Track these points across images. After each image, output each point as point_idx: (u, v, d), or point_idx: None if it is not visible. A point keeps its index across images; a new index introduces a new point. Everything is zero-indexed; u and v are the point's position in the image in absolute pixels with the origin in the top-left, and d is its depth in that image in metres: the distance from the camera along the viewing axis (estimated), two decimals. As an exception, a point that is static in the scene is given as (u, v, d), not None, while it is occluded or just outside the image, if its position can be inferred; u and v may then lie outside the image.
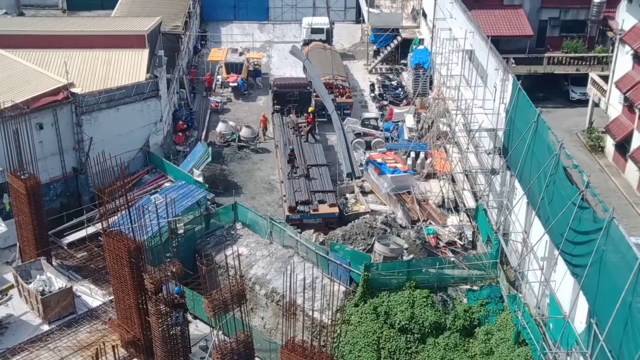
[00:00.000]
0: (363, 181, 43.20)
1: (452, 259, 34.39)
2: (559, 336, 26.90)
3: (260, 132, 49.71)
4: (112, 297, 31.44)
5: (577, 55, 53.75)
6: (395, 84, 56.98)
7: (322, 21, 64.12)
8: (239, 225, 38.77)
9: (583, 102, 51.72)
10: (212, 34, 68.23)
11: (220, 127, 49.59)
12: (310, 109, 48.16)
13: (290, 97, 50.38)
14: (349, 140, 44.86)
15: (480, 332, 31.66)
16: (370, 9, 63.16)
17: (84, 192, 40.87)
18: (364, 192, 42.60)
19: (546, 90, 53.07)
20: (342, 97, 52.17)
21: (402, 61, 60.53)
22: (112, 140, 40.62)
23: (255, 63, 59.51)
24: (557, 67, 53.57)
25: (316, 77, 50.06)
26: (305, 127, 47.09)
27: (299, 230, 37.32)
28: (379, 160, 43.54)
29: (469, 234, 37.86)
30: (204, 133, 50.12)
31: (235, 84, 56.40)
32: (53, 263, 34.63)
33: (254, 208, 40.13)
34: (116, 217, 30.74)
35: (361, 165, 43.94)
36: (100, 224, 30.01)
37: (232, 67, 57.48)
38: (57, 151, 39.67)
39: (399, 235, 36.28)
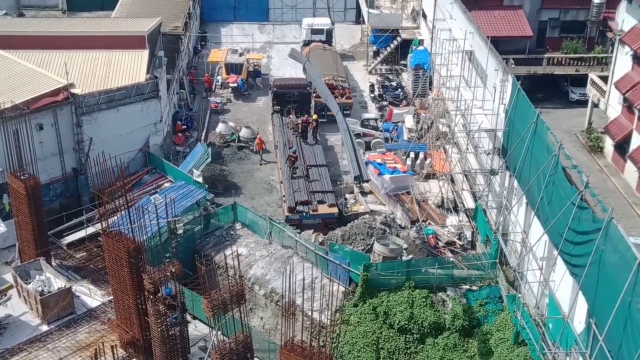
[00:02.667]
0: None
1: (451, 259, 34.40)
2: (558, 336, 26.91)
3: (256, 150, 47.90)
4: (111, 297, 31.43)
5: (576, 55, 53.74)
6: (395, 85, 56.98)
7: (322, 22, 64.17)
8: (238, 226, 38.79)
9: (582, 103, 51.74)
10: (212, 35, 68.22)
11: (220, 127, 49.62)
12: (314, 117, 48.14)
13: (290, 98, 50.39)
14: (355, 141, 44.58)
15: (480, 332, 31.66)
16: (370, 10, 63.19)
17: (84, 193, 40.91)
18: (364, 193, 42.62)
19: (546, 90, 53.05)
20: (342, 97, 52.14)
21: (402, 62, 60.51)
22: (112, 140, 40.65)
23: (255, 64, 59.53)
24: (556, 68, 53.58)
25: (318, 79, 50.03)
26: (302, 126, 47.00)
27: (299, 230, 37.34)
28: (379, 160, 43.56)
29: (468, 234, 37.86)
30: (203, 133, 50.13)
31: (235, 85, 56.41)
32: (52, 263, 34.62)
33: (253, 208, 40.14)
34: (116, 218, 30.73)
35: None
36: (99, 224, 30.01)
37: (232, 68, 57.49)
38: (57, 152, 39.71)
39: (398, 236, 36.30)
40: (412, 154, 45.04)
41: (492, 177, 35.79)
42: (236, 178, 45.36)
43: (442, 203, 40.78)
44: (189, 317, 30.76)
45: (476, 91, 40.18)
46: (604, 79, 48.61)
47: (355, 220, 37.95)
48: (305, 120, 47.11)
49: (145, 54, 45.66)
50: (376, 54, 61.84)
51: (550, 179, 27.61)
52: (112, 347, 28.21)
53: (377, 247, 34.44)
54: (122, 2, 60.04)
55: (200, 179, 41.25)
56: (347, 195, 42.71)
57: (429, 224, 38.73)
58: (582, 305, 25.44)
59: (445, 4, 49.76)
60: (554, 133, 28.48)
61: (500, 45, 48.20)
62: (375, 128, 49.70)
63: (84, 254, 36.41)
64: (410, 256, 35.06)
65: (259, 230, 37.96)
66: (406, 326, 31.83)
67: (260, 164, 47.03)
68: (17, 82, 40.12)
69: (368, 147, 47.94)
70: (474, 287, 33.46)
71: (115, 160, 29.31)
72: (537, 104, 32.72)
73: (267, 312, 35.02)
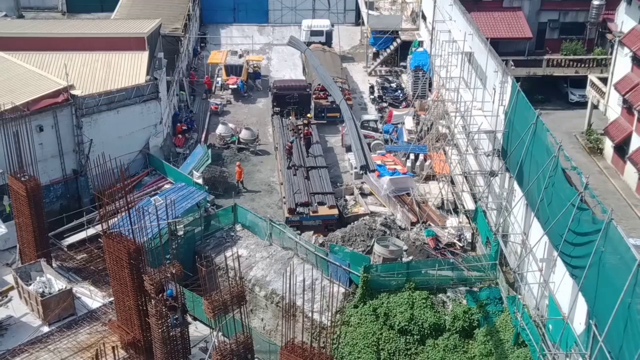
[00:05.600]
0: (363, 183, 43.27)
1: (451, 261, 34.43)
2: (558, 337, 26.93)
3: (236, 183, 44.64)
4: (112, 298, 31.46)
5: (576, 57, 53.83)
6: (395, 86, 57.04)
7: (321, 23, 64.27)
8: (238, 227, 38.82)
9: (582, 104, 51.83)
10: (212, 37, 68.31)
11: (220, 129, 49.67)
12: (307, 116, 48.02)
13: (290, 99, 50.47)
14: (360, 130, 44.13)
15: (480, 333, 31.70)
16: (370, 12, 63.24)
17: (84, 194, 40.92)
18: (364, 194, 42.66)
19: (545, 92, 53.14)
20: (342, 99, 52.23)
21: (402, 63, 60.59)
22: (112, 142, 40.69)
23: (255, 65, 59.59)
24: (556, 69, 53.67)
25: (319, 67, 49.74)
26: (304, 138, 46.83)
27: (299, 231, 37.37)
28: (379, 162, 43.57)
29: (468, 235, 37.88)
30: (203, 135, 50.19)
31: (235, 86, 56.49)
32: (53, 265, 34.64)
33: (253, 210, 40.16)
34: (116, 219, 30.73)
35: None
36: (100, 225, 30.04)
37: (232, 70, 57.57)
38: (57, 153, 39.73)
39: (398, 237, 36.34)
40: (412, 156, 45.09)
41: (491, 178, 35.83)
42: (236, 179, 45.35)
43: (442, 204, 40.81)
44: (189, 318, 30.79)
45: (476, 93, 40.23)
46: (604, 80, 48.67)
47: (356, 222, 38.00)
48: (307, 133, 46.76)
49: (145, 55, 45.69)
50: (376, 55, 61.89)
51: (550, 180, 27.64)
52: (113, 348, 28.20)
53: (377, 248, 34.47)
54: (122, 3, 60.11)
55: (200, 181, 41.30)
56: (347, 197, 42.75)
57: (429, 225, 38.76)
58: (582, 307, 25.47)
59: (445, 5, 49.83)
60: (554, 134, 28.50)
61: (500, 46, 48.29)
62: (375, 130, 49.76)
63: (85, 255, 36.41)
64: (410, 257, 35.10)
65: (259, 231, 38.00)
66: (406, 327, 31.87)
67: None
68: (17, 83, 40.15)
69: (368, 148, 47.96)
70: (474, 289, 33.49)
71: (116, 162, 29.31)
72: (537, 106, 32.77)
73: (267, 313, 35.05)
